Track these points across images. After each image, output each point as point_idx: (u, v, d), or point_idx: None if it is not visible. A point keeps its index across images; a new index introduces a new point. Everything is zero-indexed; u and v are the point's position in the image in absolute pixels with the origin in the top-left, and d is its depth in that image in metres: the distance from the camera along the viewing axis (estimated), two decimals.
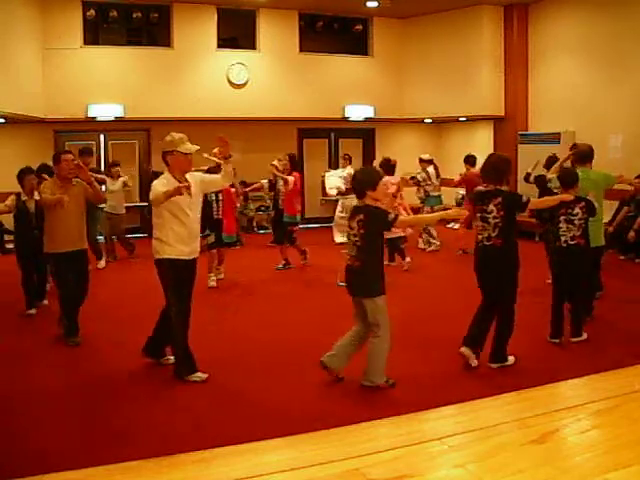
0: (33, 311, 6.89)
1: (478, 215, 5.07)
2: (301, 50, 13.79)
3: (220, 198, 8.31)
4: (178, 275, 4.87)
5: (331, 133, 14.93)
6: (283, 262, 9.40)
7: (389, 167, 8.97)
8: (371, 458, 1.64)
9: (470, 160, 10.82)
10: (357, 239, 4.61)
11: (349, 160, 11.95)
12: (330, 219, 12.26)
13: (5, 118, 10.78)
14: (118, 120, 12.40)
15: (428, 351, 5.62)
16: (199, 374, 4.91)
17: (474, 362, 5.06)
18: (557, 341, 5.67)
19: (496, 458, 1.66)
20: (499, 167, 5.09)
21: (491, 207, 4.94)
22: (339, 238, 11.19)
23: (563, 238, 5.65)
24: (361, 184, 4.65)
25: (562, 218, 5.63)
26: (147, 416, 4.34)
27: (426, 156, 11.28)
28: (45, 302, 7.14)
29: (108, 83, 12.14)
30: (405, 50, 14.47)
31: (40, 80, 11.53)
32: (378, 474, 1.56)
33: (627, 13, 11.08)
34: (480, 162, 6.48)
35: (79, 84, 11.90)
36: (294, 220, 9.41)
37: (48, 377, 5.11)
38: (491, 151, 13.16)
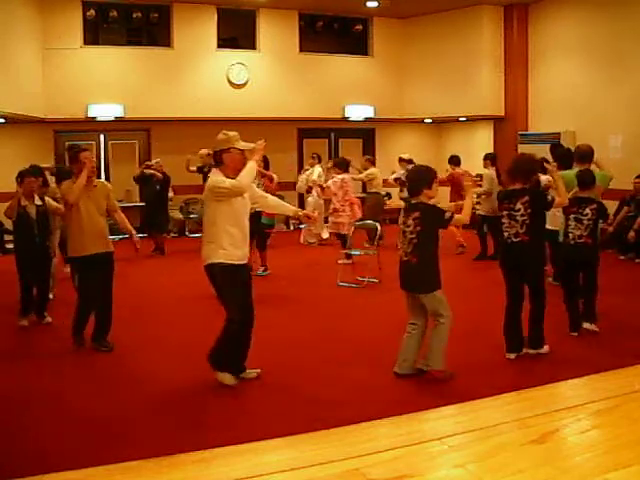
0: (25, 322, 6.42)
1: (505, 213, 5.26)
2: (301, 50, 13.79)
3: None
4: (233, 279, 4.63)
5: (331, 133, 14.93)
6: (262, 268, 8.85)
7: (344, 165, 9.08)
8: (371, 458, 1.64)
9: (454, 160, 11.07)
10: (414, 236, 4.72)
11: (318, 159, 12.00)
12: None
13: (5, 118, 10.79)
14: (118, 120, 12.40)
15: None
16: (252, 371, 4.88)
17: (512, 356, 5.25)
18: (575, 334, 5.86)
19: (496, 458, 1.66)
20: (526, 166, 5.32)
21: (518, 205, 5.14)
22: (325, 234, 11.35)
23: (571, 236, 5.80)
24: (418, 182, 4.81)
25: (572, 217, 5.81)
26: (147, 416, 4.34)
27: (406, 156, 11.60)
28: (48, 319, 6.50)
29: (108, 83, 12.14)
30: (405, 50, 14.47)
31: (40, 80, 11.53)
32: (378, 474, 1.56)
33: (627, 13, 11.08)
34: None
35: (79, 84, 11.90)
36: (272, 223, 9.04)
37: (48, 377, 5.11)
38: (491, 151, 13.20)
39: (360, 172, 11.60)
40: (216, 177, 4.59)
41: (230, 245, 4.59)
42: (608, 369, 2.32)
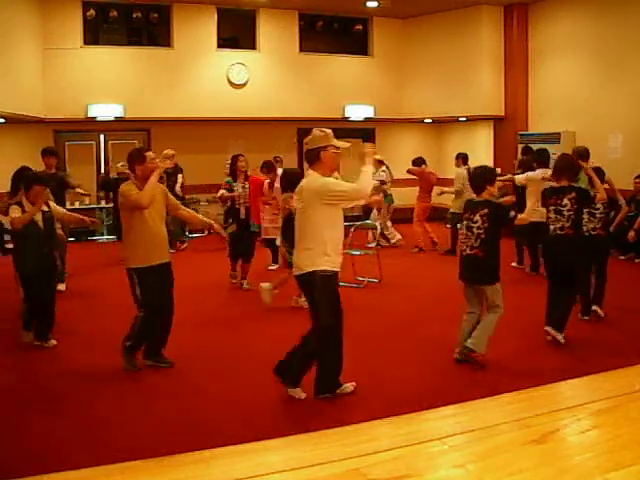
0: (31, 337, 5.89)
1: (552, 208, 5.74)
2: (301, 50, 13.79)
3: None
4: (333, 287, 4.41)
5: None
6: (246, 280, 8.24)
7: (270, 166, 8.97)
8: (371, 458, 1.63)
9: (418, 162, 11.40)
10: (481, 232, 5.05)
11: (280, 162, 11.95)
12: None
13: (5, 118, 10.79)
14: (118, 120, 12.40)
15: (427, 351, 5.62)
16: (347, 385, 4.60)
17: (562, 339, 5.59)
18: (587, 318, 6.23)
19: (496, 458, 1.66)
20: (573, 166, 5.86)
21: (565, 201, 5.62)
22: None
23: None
24: (482, 179, 5.20)
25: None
26: (147, 416, 4.34)
27: (378, 156, 11.61)
28: (53, 342, 5.87)
29: (108, 83, 12.15)
30: (405, 50, 14.47)
31: (40, 80, 11.54)
32: (378, 474, 1.56)
33: (627, 13, 11.08)
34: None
35: (79, 84, 11.90)
36: (259, 229, 8.58)
37: (48, 377, 5.11)
38: (491, 151, 13.23)
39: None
40: (326, 179, 4.35)
41: (332, 251, 4.36)
42: (608, 369, 2.32)
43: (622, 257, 9.78)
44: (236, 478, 1.54)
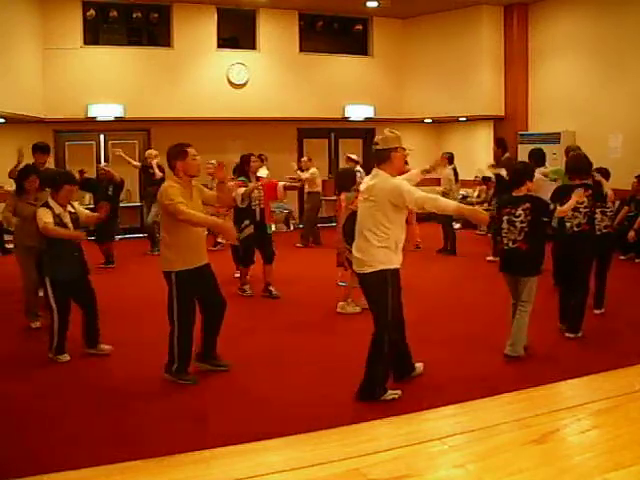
0: (67, 357, 5.43)
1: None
2: (301, 50, 13.79)
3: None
4: (395, 284, 4.46)
5: (331, 133, 14.93)
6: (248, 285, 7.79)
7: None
8: (371, 458, 1.63)
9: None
10: (524, 225, 5.24)
11: (266, 160, 11.90)
12: None
13: (5, 118, 10.79)
14: (118, 120, 12.41)
15: (427, 351, 5.62)
16: (391, 392, 4.50)
17: (580, 334, 5.84)
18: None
19: (496, 458, 1.66)
20: (586, 164, 6.04)
21: (583, 198, 5.77)
22: None
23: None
24: (523, 175, 5.40)
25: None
26: (147, 416, 4.34)
27: (354, 156, 11.85)
28: (106, 347, 5.56)
29: (108, 83, 12.15)
30: (405, 50, 14.47)
31: (40, 80, 11.54)
32: (378, 474, 1.56)
33: (627, 13, 11.08)
34: None
35: (79, 84, 11.91)
36: (272, 231, 8.17)
37: (48, 377, 5.11)
38: (491, 151, 13.21)
39: (297, 172, 11.81)
40: (401, 182, 4.42)
41: (397, 249, 4.44)
42: (608, 369, 2.32)
43: (622, 257, 9.77)
44: (236, 478, 1.54)
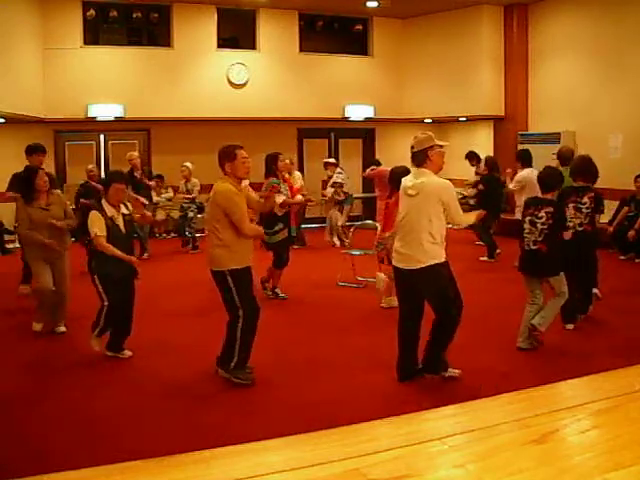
0: (99, 346, 5.47)
1: (571, 206, 6.10)
2: (301, 50, 13.80)
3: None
4: (448, 276, 4.72)
5: (331, 133, 14.93)
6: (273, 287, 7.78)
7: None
8: (371, 458, 1.63)
9: (375, 163, 11.49)
10: (545, 227, 5.44)
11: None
12: None
13: (5, 118, 10.79)
14: (118, 120, 12.41)
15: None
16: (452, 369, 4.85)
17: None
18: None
19: (496, 458, 1.65)
20: (590, 166, 6.24)
21: (585, 199, 6.08)
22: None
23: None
24: (555, 180, 5.66)
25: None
26: (147, 416, 4.34)
27: (332, 160, 12.02)
28: (128, 353, 5.50)
29: (108, 83, 12.16)
30: (405, 50, 14.48)
31: (40, 80, 11.54)
32: (378, 474, 1.55)
33: (627, 13, 11.09)
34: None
35: (79, 84, 11.91)
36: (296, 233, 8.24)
37: (48, 377, 5.11)
38: (491, 151, 13.23)
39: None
40: (452, 187, 4.70)
41: (443, 243, 4.67)
42: (608, 369, 2.32)
43: (622, 257, 9.77)
44: (236, 478, 1.54)
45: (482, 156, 11.64)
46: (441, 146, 4.72)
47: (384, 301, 7.06)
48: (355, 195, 14.60)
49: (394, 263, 4.82)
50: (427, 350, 4.79)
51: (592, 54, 11.78)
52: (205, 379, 4.99)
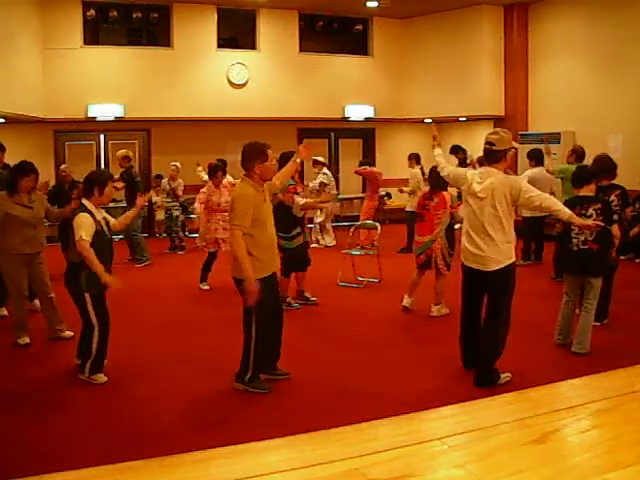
0: (103, 378, 4.90)
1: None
2: (301, 50, 13.80)
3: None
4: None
5: (331, 133, 14.93)
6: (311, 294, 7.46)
7: (216, 169, 8.46)
8: (371, 458, 1.63)
9: (365, 162, 11.86)
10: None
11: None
12: None
13: (5, 118, 10.78)
14: (118, 120, 12.41)
15: (427, 351, 5.63)
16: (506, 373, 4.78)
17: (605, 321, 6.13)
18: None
19: (496, 458, 1.66)
20: (610, 165, 6.29)
21: (612, 197, 6.07)
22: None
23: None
24: (592, 176, 5.55)
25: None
26: (147, 416, 4.34)
27: (321, 158, 11.92)
28: (103, 378, 4.93)
29: (108, 83, 12.16)
30: (405, 50, 14.48)
31: (40, 80, 11.54)
32: (378, 474, 1.56)
33: (627, 13, 11.08)
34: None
35: (79, 84, 11.91)
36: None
37: (48, 377, 5.10)
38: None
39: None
40: (519, 178, 4.74)
41: (514, 243, 4.68)
42: (608, 369, 2.32)
43: (622, 257, 9.76)
44: (236, 478, 1.54)
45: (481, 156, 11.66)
46: (515, 148, 4.79)
47: (434, 310, 6.73)
48: (355, 195, 14.63)
49: (466, 263, 4.74)
50: (479, 363, 4.73)
51: (592, 54, 11.78)
52: (205, 379, 4.99)
